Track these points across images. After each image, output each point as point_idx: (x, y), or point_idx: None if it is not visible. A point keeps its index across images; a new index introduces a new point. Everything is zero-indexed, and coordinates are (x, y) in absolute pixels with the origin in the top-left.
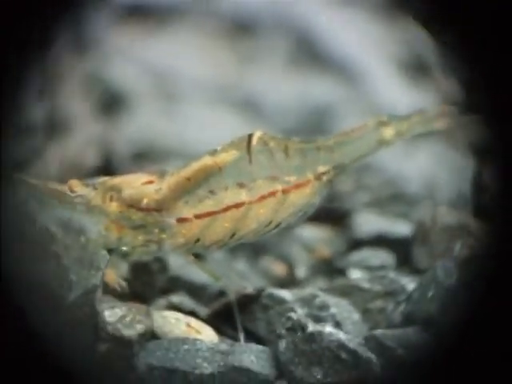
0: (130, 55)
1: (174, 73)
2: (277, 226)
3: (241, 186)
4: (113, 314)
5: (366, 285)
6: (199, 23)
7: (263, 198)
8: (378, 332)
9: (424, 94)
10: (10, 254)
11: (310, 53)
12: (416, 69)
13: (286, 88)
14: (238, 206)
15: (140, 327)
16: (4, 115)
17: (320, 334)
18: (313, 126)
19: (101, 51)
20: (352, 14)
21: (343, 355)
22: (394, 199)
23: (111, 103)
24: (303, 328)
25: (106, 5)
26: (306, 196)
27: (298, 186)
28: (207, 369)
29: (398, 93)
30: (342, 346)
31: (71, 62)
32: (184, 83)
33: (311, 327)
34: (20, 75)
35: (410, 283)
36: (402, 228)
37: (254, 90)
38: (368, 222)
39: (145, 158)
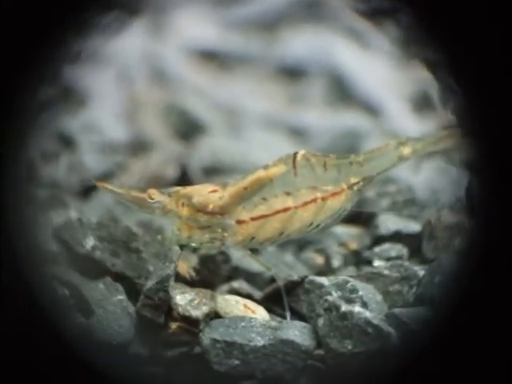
0: (204, 90)
1: (239, 106)
2: (317, 226)
3: (287, 194)
4: (183, 297)
5: (386, 272)
6: (259, 68)
7: (306, 203)
8: (396, 310)
9: (428, 122)
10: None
11: (342, 91)
12: (422, 102)
13: (324, 118)
14: (285, 210)
15: (205, 308)
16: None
17: (351, 312)
18: (344, 147)
19: (180, 85)
20: (373, 59)
21: (369, 329)
22: (408, 204)
23: (188, 129)
24: (337, 308)
25: (185, 47)
26: (341, 202)
27: (334, 194)
28: (260, 341)
29: (409, 121)
30: (367, 322)
31: (154, 93)
32: (247, 114)
33: (344, 307)
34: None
35: (420, 270)
36: (413, 226)
37: (300, 120)
38: (387, 222)
39: (214, 172)
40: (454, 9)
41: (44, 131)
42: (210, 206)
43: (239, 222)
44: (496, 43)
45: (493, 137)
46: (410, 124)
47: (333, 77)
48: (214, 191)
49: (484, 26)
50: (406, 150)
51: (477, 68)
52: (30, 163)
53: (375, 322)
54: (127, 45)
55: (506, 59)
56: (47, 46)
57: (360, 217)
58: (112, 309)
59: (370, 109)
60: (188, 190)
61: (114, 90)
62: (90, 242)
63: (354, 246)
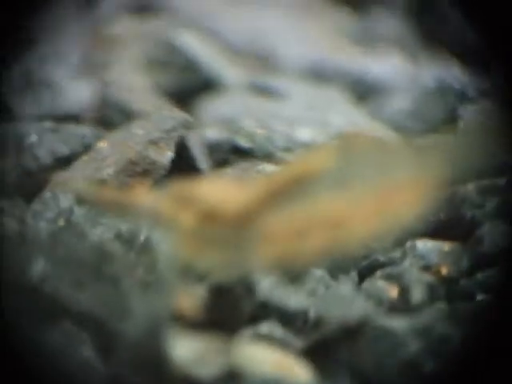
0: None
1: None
2: (381, 239)
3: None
4: (185, 351)
5: None
6: None
7: (363, 208)
8: None
9: None
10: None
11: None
12: None
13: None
14: (334, 218)
15: (217, 366)
16: None
17: None
18: None
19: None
20: None
21: None
22: None
23: None
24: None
25: None
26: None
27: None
28: None
29: None
30: None
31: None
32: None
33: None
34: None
35: None
36: None
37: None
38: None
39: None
40: None
41: None
42: (227, 213)
43: (268, 236)
44: None
45: None
46: None
47: None
48: (232, 190)
49: None
50: None
51: None
52: None
53: None
54: None
55: None
56: None
57: (456, 226)
58: (74, 369)
59: None
60: (193, 187)
61: None
62: (37, 267)
63: (445, 270)
